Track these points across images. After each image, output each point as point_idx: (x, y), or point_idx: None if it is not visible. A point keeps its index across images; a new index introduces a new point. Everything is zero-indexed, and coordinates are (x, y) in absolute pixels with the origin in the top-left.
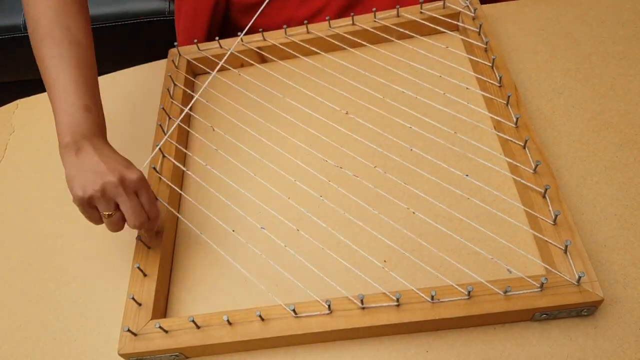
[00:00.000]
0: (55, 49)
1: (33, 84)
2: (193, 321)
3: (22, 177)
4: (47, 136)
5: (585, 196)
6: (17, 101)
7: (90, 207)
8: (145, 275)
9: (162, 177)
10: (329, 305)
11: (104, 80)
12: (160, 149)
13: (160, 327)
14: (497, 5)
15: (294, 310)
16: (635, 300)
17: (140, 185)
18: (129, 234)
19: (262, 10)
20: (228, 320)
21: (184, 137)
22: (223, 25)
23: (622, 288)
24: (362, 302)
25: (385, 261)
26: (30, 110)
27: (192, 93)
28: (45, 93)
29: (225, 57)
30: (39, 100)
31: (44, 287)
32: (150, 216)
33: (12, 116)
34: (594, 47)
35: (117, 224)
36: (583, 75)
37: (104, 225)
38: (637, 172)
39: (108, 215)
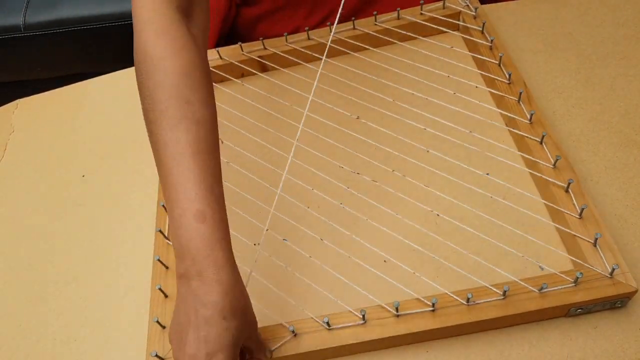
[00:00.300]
0: (171, 133)
1: (33, 84)
2: None
3: (22, 177)
4: (47, 136)
5: (585, 196)
6: (17, 101)
7: None
8: (166, 296)
9: None
10: (364, 315)
11: (104, 80)
12: None
13: None
14: (497, 5)
15: (327, 323)
16: (636, 299)
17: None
18: (126, 234)
19: (269, 22)
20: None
21: None
22: (230, 36)
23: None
24: (397, 309)
25: (414, 270)
26: (30, 110)
27: None
28: (45, 92)
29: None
30: (39, 100)
31: (44, 287)
32: None
33: (12, 116)
34: (594, 47)
35: None
36: (583, 75)
37: (102, 224)
38: (637, 172)
39: None
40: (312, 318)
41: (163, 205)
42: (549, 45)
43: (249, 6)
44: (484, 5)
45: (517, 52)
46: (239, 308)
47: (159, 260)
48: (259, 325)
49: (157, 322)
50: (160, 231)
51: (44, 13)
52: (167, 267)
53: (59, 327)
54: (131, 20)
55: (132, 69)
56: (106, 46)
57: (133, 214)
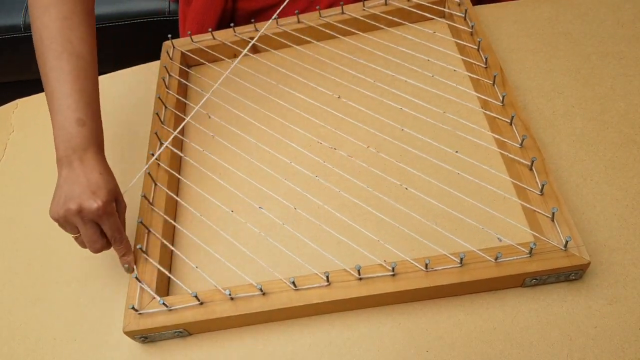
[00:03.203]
0: (56, 62)
1: (33, 84)
2: (196, 296)
3: (21, 177)
4: (47, 136)
5: (585, 196)
6: (17, 101)
7: (61, 226)
8: (147, 256)
9: (161, 163)
10: (328, 277)
11: (104, 81)
12: (158, 136)
13: (163, 303)
14: (497, 5)
15: (293, 283)
16: (636, 300)
17: (98, 214)
18: (128, 233)
19: (268, 15)
20: (230, 295)
21: (180, 124)
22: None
23: (622, 288)
24: (359, 272)
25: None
26: (30, 110)
27: (187, 83)
28: (44, 93)
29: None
30: (38, 100)
31: (44, 287)
32: (113, 241)
33: (12, 116)
34: (594, 47)
35: (82, 244)
36: (583, 75)
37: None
38: (637, 172)
39: (74, 237)
40: (280, 279)
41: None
42: (549, 45)
43: (246, 1)
44: (484, 5)
45: (517, 52)
46: (111, 175)
47: (141, 223)
48: (233, 284)
49: (136, 278)
50: (142, 222)
51: None
52: (148, 230)
53: (59, 327)
54: (130, 20)
55: (133, 68)
56: (106, 46)
57: (133, 214)
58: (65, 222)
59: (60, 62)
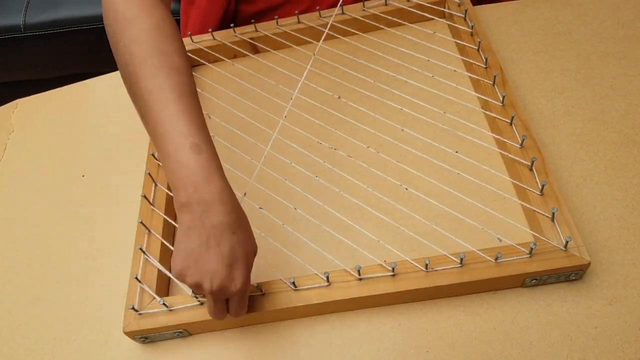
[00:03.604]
0: (153, 80)
1: (33, 84)
2: (196, 297)
3: (22, 177)
4: (47, 136)
5: (585, 196)
6: (17, 101)
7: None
8: (147, 256)
9: (161, 163)
10: (328, 277)
11: (104, 81)
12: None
13: (164, 304)
14: (497, 5)
15: (293, 284)
16: (636, 300)
17: (234, 295)
18: (127, 234)
19: (267, 19)
20: None
21: None
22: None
23: (622, 288)
24: (359, 272)
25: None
26: (30, 110)
27: None
28: (45, 92)
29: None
30: (38, 100)
31: (44, 287)
32: (234, 315)
33: (12, 116)
34: (594, 47)
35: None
36: (583, 75)
37: (102, 224)
38: (637, 172)
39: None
40: (280, 279)
41: (149, 174)
42: (549, 45)
43: (247, 3)
44: (484, 5)
45: (517, 52)
46: (243, 223)
47: (141, 223)
48: None
49: (137, 278)
50: (142, 222)
51: (44, 13)
52: (149, 230)
53: (59, 327)
54: None
55: None
56: (106, 46)
57: (133, 214)
58: (195, 289)
59: (160, 79)
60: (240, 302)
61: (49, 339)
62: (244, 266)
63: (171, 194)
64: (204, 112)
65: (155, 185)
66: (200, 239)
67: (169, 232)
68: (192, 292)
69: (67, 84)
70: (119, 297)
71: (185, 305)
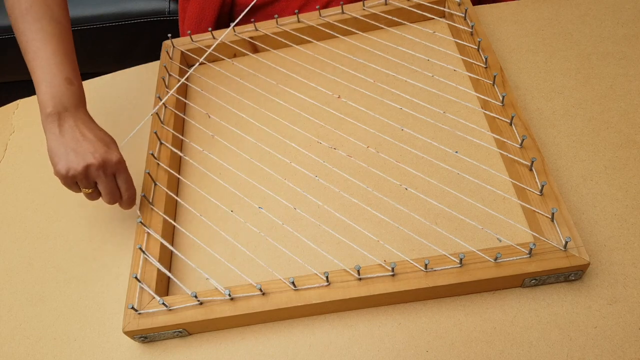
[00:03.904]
0: (37, 24)
1: (33, 84)
2: (195, 296)
3: (22, 177)
4: None
5: (585, 196)
6: (17, 101)
7: (71, 183)
8: (147, 255)
9: (160, 163)
10: (327, 277)
11: (104, 81)
12: (157, 135)
13: (163, 303)
14: (497, 5)
15: (293, 283)
16: (636, 300)
17: (118, 167)
18: (127, 234)
19: (265, 11)
20: (230, 295)
21: (179, 124)
22: (227, 24)
23: (622, 288)
24: (358, 272)
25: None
26: (30, 110)
27: (186, 82)
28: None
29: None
30: None
31: (44, 287)
32: (126, 195)
33: (12, 116)
34: (594, 47)
35: (95, 198)
36: (583, 75)
37: (102, 224)
38: (637, 172)
39: (88, 192)
40: (280, 279)
41: (148, 175)
42: (549, 45)
43: None
44: (484, 5)
45: (517, 52)
46: (100, 142)
47: (141, 222)
48: (233, 284)
49: (136, 277)
50: (141, 222)
51: None
52: (148, 230)
53: (59, 327)
54: (130, 20)
55: (133, 69)
56: (106, 46)
57: (133, 213)
58: (84, 177)
59: (42, 24)
60: (126, 177)
61: (49, 339)
62: (115, 145)
63: (170, 194)
64: (204, 111)
65: (155, 185)
66: (73, 134)
67: (169, 232)
68: (81, 186)
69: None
70: (119, 297)
71: (185, 305)
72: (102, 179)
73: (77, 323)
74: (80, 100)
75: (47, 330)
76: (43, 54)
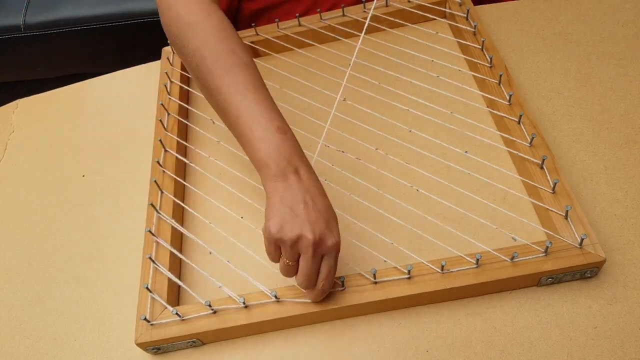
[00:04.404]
0: (228, 77)
1: (33, 84)
2: (209, 305)
3: (22, 177)
4: (47, 136)
5: (585, 196)
6: (17, 101)
7: (275, 246)
8: (157, 265)
9: (166, 171)
10: (342, 282)
11: (104, 81)
12: (162, 142)
13: (177, 313)
14: (497, 5)
15: None
16: (636, 300)
17: (330, 251)
18: (127, 234)
19: (270, 15)
20: (244, 303)
21: (183, 131)
22: None
23: (622, 288)
24: (374, 276)
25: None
26: (30, 110)
27: (188, 88)
28: (45, 92)
29: None
30: (39, 100)
31: (44, 287)
32: (321, 285)
33: (12, 116)
34: (594, 47)
35: (290, 275)
36: (583, 75)
37: (102, 224)
38: (637, 172)
39: (287, 263)
40: (295, 285)
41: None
42: (549, 45)
43: (250, 1)
44: (484, 5)
45: (517, 52)
46: (323, 214)
47: (149, 231)
48: (245, 291)
49: (147, 288)
50: (150, 231)
51: (44, 13)
52: (157, 239)
53: (59, 327)
54: (130, 20)
55: (133, 68)
56: (106, 46)
57: (133, 214)
58: (292, 246)
59: (234, 76)
60: (332, 266)
61: (49, 339)
62: (337, 224)
63: (177, 201)
64: (207, 117)
65: (162, 192)
66: (298, 199)
67: (178, 241)
68: (284, 254)
69: (67, 84)
70: (120, 297)
71: (199, 314)
72: (308, 257)
73: (77, 323)
74: (300, 151)
75: (47, 330)
76: (246, 109)
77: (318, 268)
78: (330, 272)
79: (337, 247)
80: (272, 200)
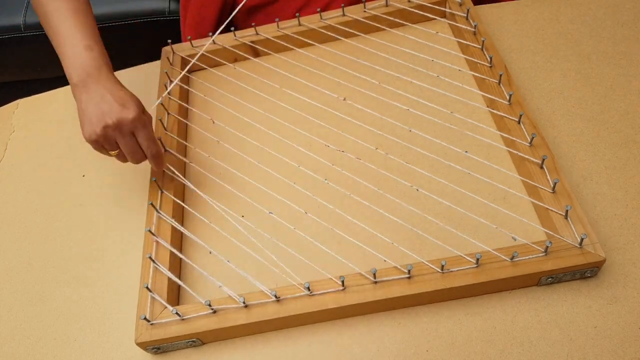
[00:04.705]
0: (54, 3)
1: (33, 84)
2: (209, 305)
3: (22, 177)
4: (48, 136)
5: (585, 196)
6: (17, 101)
7: (98, 147)
8: (157, 265)
9: (166, 170)
10: (343, 282)
11: None
12: (162, 142)
13: (177, 313)
14: (497, 5)
15: (308, 288)
16: (636, 300)
17: (135, 125)
18: (126, 234)
19: (264, 11)
20: (244, 302)
21: (183, 130)
22: (228, 28)
23: (622, 288)
24: (374, 276)
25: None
26: (30, 110)
27: (188, 88)
28: (45, 92)
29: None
30: (39, 100)
31: (44, 287)
32: (149, 153)
33: (12, 116)
34: (594, 47)
35: (123, 160)
36: (583, 75)
37: (102, 224)
38: (637, 172)
39: (114, 154)
40: (295, 285)
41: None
42: (549, 45)
43: None
44: (484, 5)
45: (517, 52)
46: (117, 101)
47: (149, 231)
48: (245, 291)
49: (147, 287)
50: (150, 231)
51: None
52: (157, 239)
53: (59, 327)
54: (130, 20)
55: (133, 68)
56: (106, 46)
57: (133, 214)
58: (105, 139)
59: (59, 2)
60: (146, 135)
61: (49, 339)
62: (135, 104)
63: (178, 201)
64: (207, 117)
65: (162, 192)
66: (96, 100)
67: (177, 241)
68: (107, 149)
69: (67, 84)
70: (119, 297)
71: (199, 313)
72: (120, 139)
73: (77, 323)
74: (101, 64)
75: (47, 330)
76: (61, 30)
77: (135, 143)
78: (148, 140)
79: (138, 120)
80: (78, 111)
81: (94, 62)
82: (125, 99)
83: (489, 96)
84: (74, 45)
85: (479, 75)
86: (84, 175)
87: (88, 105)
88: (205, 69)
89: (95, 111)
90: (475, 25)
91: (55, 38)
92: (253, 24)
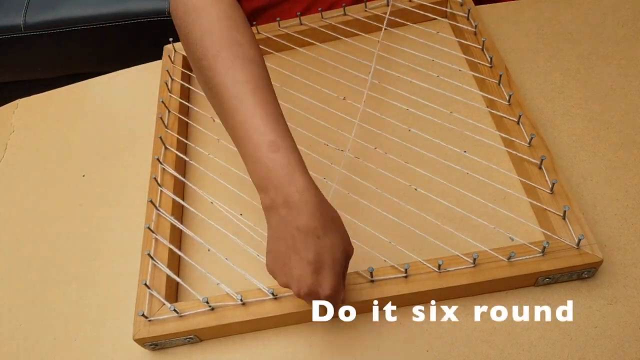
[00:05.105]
0: (229, 75)
1: (33, 84)
2: (207, 302)
3: (22, 177)
4: (47, 136)
5: (585, 196)
6: (17, 101)
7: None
8: (155, 262)
9: (166, 168)
10: None
11: (104, 80)
12: (162, 140)
13: (174, 310)
14: (497, 5)
15: None
16: (636, 300)
17: (325, 300)
18: (127, 234)
19: (269, 14)
20: (241, 300)
21: (184, 128)
22: None
23: (622, 288)
24: (371, 274)
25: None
26: (30, 110)
27: (189, 86)
28: (45, 92)
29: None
30: (39, 100)
31: (44, 287)
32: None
33: (12, 116)
34: (594, 47)
35: None
36: (583, 75)
37: (102, 224)
38: (637, 172)
39: None
40: None
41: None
42: (549, 45)
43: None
44: (484, 5)
45: (517, 52)
46: (330, 224)
47: (148, 228)
48: (243, 288)
49: (145, 284)
50: (149, 228)
51: (44, 13)
52: (156, 236)
53: (59, 327)
54: (130, 20)
55: (133, 68)
56: (106, 46)
57: (133, 214)
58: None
59: (235, 73)
60: (334, 305)
61: (49, 339)
62: (331, 273)
63: (177, 199)
64: (208, 115)
65: (161, 189)
66: (287, 243)
67: (176, 238)
68: None
69: (67, 84)
70: (119, 297)
71: (196, 310)
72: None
73: (77, 323)
74: (290, 171)
75: (47, 330)
76: (241, 117)
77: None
78: (333, 302)
79: (329, 297)
80: (268, 233)
81: (281, 171)
82: (322, 257)
83: (489, 96)
84: (257, 144)
85: (479, 76)
86: (84, 175)
87: (276, 243)
88: None
89: (284, 259)
90: (476, 26)
91: (233, 129)
92: (254, 23)
